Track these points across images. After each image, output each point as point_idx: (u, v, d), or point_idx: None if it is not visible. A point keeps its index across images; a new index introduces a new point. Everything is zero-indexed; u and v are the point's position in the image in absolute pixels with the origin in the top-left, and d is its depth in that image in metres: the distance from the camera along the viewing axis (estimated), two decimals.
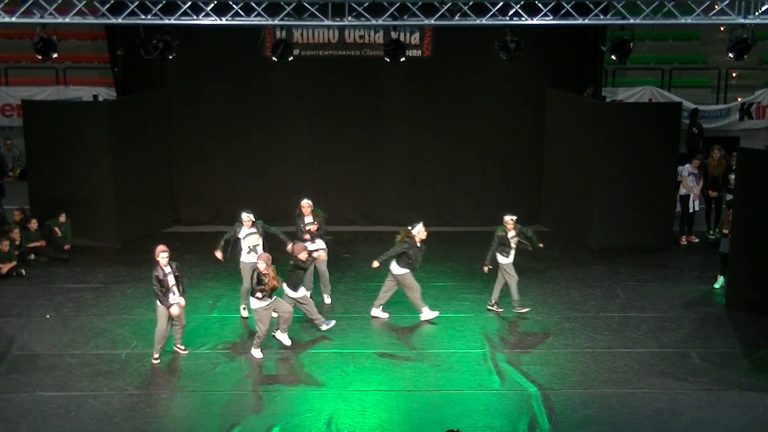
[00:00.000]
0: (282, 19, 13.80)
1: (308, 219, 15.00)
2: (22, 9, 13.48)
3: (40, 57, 14.21)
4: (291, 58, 15.33)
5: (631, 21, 13.94)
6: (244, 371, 13.19)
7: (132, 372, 13.04)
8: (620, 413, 12.00)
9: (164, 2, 13.50)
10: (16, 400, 12.24)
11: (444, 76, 18.66)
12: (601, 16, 13.89)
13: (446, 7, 13.75)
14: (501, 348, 13.79)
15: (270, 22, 13.97)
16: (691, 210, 18.08)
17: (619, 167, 17.61)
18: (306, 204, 15.01)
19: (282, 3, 13.64)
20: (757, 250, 14.75)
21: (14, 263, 16.47)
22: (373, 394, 12.49)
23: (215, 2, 13.60)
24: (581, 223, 17.99)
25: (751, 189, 14.85)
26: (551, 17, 13.89)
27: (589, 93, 18.31)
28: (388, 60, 15.16)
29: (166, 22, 13.70)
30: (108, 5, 13.55)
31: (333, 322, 14.10)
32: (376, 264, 14.38)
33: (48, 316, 14.80)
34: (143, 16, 13.63)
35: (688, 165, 18.06)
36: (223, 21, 13.72)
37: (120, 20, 13.67)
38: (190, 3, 13.55)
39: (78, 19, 13.79)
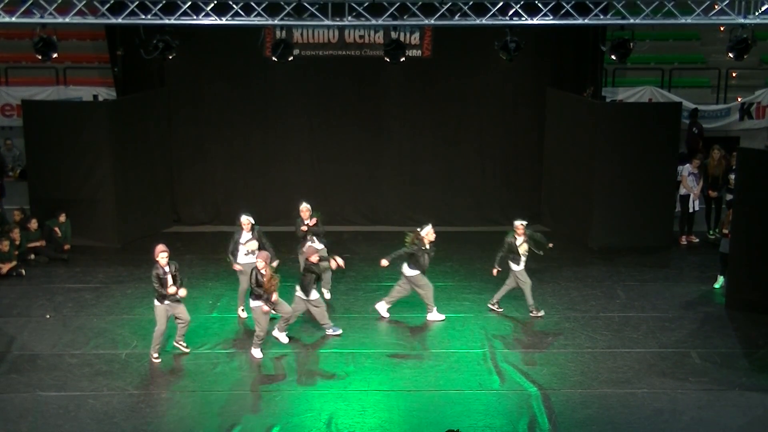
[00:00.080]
0: (282, 19, 13.80)
1: (307, 222, 14.97)
2: (22, 9, 13.48)
3: (40, 57, 14.21)
4: (291, 58, 15.34)
5: (631, 21, 13.94)
6: (244, 371, 13.19)
7: (132, 372, 13.04)
8: (620, 413, 12.00)
9: (164, 2, 13.50)
10: (16, 400, 12.24)
11: (444, 76, 18.66)
12: (601, 16, 13.89)
13: (446, 7, 13.75)
14: (501, 348, 13.78)
15: (270, 22, 13.97)
16: (691, 210, 18.08)
17: (619, 167, 17.61)
18: (305, 208, 14.99)
19: (282, 3, 13.64)
20: (757, 250, 14.74)
21: (14, 263, 16.47)
22: (373, 394, 12.49)
23: (215, 2, 13.60)
24: (581, 223, 17.99)
25: (751, 189, 14.85)
26: (551, 17, 13.89)
27: (589, 93, 18.31)
28: (388, 60, 15.16)
29: (166, 22, 13.70)
30: (108, 5, 13.55)
31: (340, 331, 14.10)
32: (384, 263, 14.37)
33: (48, 316, 14.80)
34: (143, 16, 13.63)
35: (688, 165, 18.06)
36: (223, 21, 13.72)
37: (120, 20, 13.67)
38: (190, 3, 13.55)
39: (78, 19, 13.79)
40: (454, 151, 19.05)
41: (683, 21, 13.86)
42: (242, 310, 14.65)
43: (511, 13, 13.86)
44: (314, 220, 14.93)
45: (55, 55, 14.38)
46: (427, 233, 14.31)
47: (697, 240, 18.18)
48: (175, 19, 13.66)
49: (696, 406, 12.19)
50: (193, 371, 13.12)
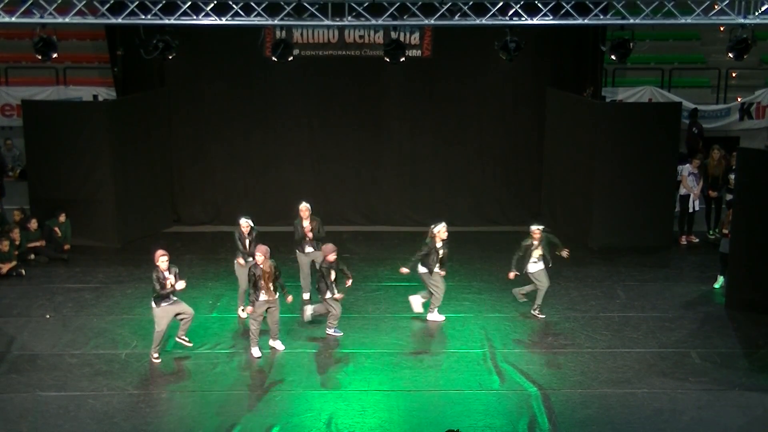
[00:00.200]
0: (282, 19, 13.80)
1: (306, 222, 15.00)
2: (22, 9, 13.48)
3: (40, 57, 14.22)
4: (291, 58, 15.34)
5: (631, 21, 13.94)
6: (244, 371, 13.18)
7: (132, 372, 13.04)
8: (620, 413, 12.00)
9: (164, 2, 13.50)
10: (16, 400, 12.24)
11: (444, 76, 18.66)
12: (601, 16, 13.89)
13: (446, 7, 13.75)
14: (501, 348, 13.78)
15: (270, 22, 13.97)
16: (691, 210, 18.09)
17: (619, 167, 17.61)
18: (304, 207, 15.00)
19: (282, 3, 13.64)
20: (757, 250, 14.74)
21: (14, 263, 16.47)
22: (373, 394, 12.49)
23: (215, 2, 13.60)
24: (581, 223, 17.99)
25: (751, 189, 14.84)
26: (551, 17, 13.89)
27: (589, 93, 18.32)
28: (388, 60, 15.16)
29: (166, 22, 13.71)
30: (108, 5, 13.56)
31: (341, 334, 14.09)
32: (405, 270, 14.40)
33: (48, 316, 14.80)
34: (143, 16, 13.63)
35: (688, 165, 18.06)
36: (223, 21, 13.72)
37: (120, 20, 13.67)
38: (190, 3, 13.55)
39: (78, 19, 13.79)
40: (454, 151, 19.05)
41: (683, 21, 13.86)
42: (242, 310, 14.64)
43: (511, 13, 13.86)
44: (314, 224, 14.91)
45: (55, 55, 14.38)
46: (439, 231, 14.30)
47: (697, 240, 18.18)
48: (175, 19, 13.67)
49: (696, 406, 12.18)
50: (193, 371, 13.12)
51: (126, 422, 11.78)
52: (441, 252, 14.32)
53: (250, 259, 14.07)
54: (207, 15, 13.68)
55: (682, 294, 15.76)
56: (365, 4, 13.74)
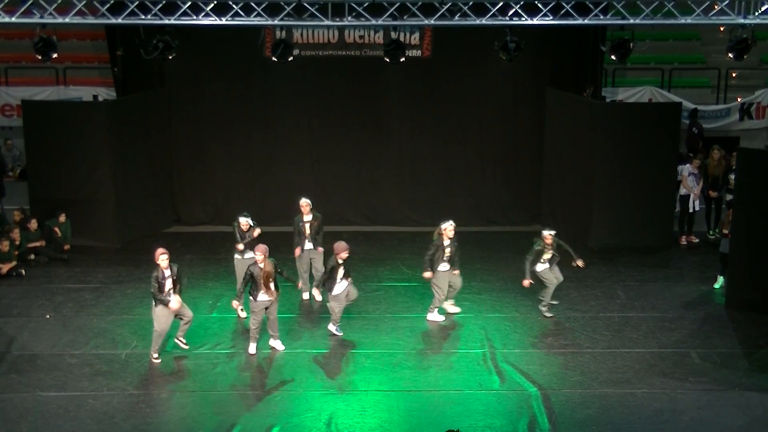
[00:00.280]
0: (282, 19, 13.80)
1: (307, 218, 15.02)
2: (22, 9, 13.47)
3: (40, 57, 14.21)
4: (291, 58, 15.33)
5: (631, 21, 13.93)
6: (244, 371, 13.19)
7: (132, 372, 13.04)
8: (620, 413, 12.00)
9: (164, 2, 13.49)
10: (16, 400, 12.24)
11: (444, 76, 18.66)
12: (601, 16, 13.89)
13: (446, 7, 13.75)
14: (501, 348, 13.78)
15: (270, 22, 13.96)
16: (691, 210, 18.09)
17: (619, 167, 17.60)
18: (305, 203, 15.03)
19: (282, 3, 13.64)
20: (757, 250, 14.74)
21: (14, 263, 16.47)
22: (373, 394, 12.49)
23: (215, 2, 13.60)
24: (581, 223, 17.98)
25: (751, 189, 14.85)
26: (551, 17, 13.88)
27: (589, 93, 18.31)
28: (388, 60, 15.15)
29: (166, 22, 13.70)
30: (108, 5, 13.55)
31: (341, 334, 14.09)
32: (428, 275, 14.39)
33: (48, 316, 14.80)
34: (143, 16, 13.63)
35: (688, 165, 18.07)
36: (223, 21, 13.72)
37: (120, 20, 13.67)
38: (190, 3, 13.54)
39: (78, 19, 13.78)
40: (454, 151, 19.05)
41: (683, 21, 13.86)
42: (241, 309, 14.65)
43: (511, 13, 13.86)
44: (315, 222, 14.94)
45: (55, 55, 14.37)
46: (446, 229, 14.31)
47: (697, 240, 18.19)
48: (175, 19, 13.66)
49: (696, 406, 12.18)
50: (193, 371, 13.13)
51: (126, 422, 11.78)
52: (448, 250, 14.31)
53: (249, 254, 14.08)
54: (207, 15, 13.67)
55: (682, 294, 15.76)
56: (365, 4, 13.73)
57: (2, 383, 12.66)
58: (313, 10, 13.70)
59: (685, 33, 22.29)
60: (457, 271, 14.58)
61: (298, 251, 15.10)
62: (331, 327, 14.09)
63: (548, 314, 14.75)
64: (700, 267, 16.90)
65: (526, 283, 14.51)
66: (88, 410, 12.01)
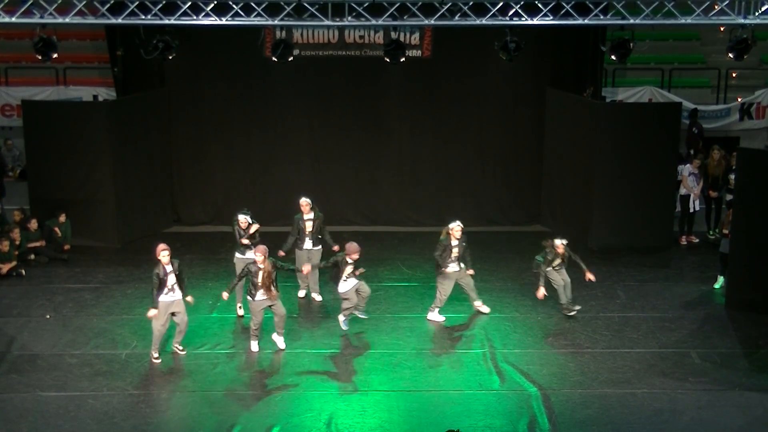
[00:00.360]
0: (282, 19, 13.79)
1: (308, 216, 15.02)
2: (22, 9, 13.47)
3: (40, 57, 14.20)
4: (291, 58, 15.32)
5: (631, 21, 13.93)
6: (244, 371, 13.19)
7: (132, 372, 13.04)
8: (620, 413, 12.00)
9: (164, 2, 13.49)
10: (16, 400, 12.24)
11: (444, 76, 18.66)
12: (601, 16, 13.89)
13: (446, 7, 13.74)
14: (501, 348, 13.78)
15: (270, 22, 13.96)
16: (691, 210, 18.09)
17: (619, 167, 17.60)
18: (305, 202, 15.04)
19: (282, 3, 13.64)
20: (757, 250, 14.74)
21: (14, 263, 16.47)
22: (373, 394, 12.49)
23: (215, 2, 13.60)
24: (581, 223, 17.98)
25: (751, 189, 14.85)
26: (551, 17, 13.88)
27: (589, 93, 18.31)
28: (388, 60, 15.14)
29: (166, 22, 13.69)
30: (108, 5, 13.54)
31: (347, 328, 14.09)
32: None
33: (48, 316, 14.80)
34: (143, 16, 13.63)
35: (688, 165, 18.07)
36: (223, 21, 13.72)
37: (120, 20, 13.66)
38: (190, 3, 13.54)
39: (78, 19, 13.78)
40: (454, 151, 19.05)
41: (683, 21, 13.85)
42: (239, 307, 14.66)
43: (511, 13, 13.85)
44: (317, 222, 14.95)
45: (55, 55, 14.36)
46: (453, 228, 14.33)
47: (697, 240, 18.18)
48: (175, 19, 13.66)
49: (696, 406, 12.18)
50: (193, 371, 13.12)
51: (126, 422, 11.78)
52: (455, 250, 14.32)
53: (249, 254, 14.09)
54: (207, 15, 13.67)
55: (682, 294, 15.76)
56: (365, 4, 13.73)
57: (2, 383, 12.66)
58: (313, 10, 13.70)
59: (685, 33, 22.29)
60: (471, 271, 14.62)
61: (297, 252, 15.08)
62: (340, 317, 14.10)
63: (573, 311, 14.69)
64: (700, 267, 16.90)
65: (540, 294, 14.51)
66: (88, 410, 12.01)
